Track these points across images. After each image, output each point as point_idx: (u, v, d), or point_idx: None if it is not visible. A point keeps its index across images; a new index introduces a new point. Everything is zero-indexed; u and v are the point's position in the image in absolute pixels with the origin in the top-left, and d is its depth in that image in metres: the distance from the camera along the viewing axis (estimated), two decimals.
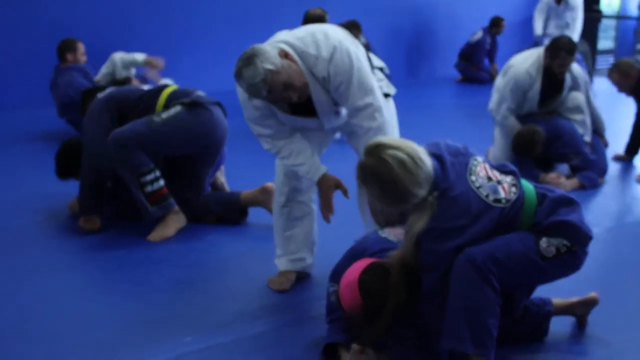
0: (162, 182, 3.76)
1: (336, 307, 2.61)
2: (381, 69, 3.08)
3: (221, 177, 4.38)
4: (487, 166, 2.49)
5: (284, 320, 2.89)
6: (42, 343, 2.72)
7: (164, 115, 3.77)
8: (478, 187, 2.38)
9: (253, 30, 8.24)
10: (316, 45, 2.75)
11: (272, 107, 2.84)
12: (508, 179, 2.48)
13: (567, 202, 2.48)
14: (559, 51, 4.71)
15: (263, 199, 3.93)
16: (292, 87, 2.71)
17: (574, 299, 2.79)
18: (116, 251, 3.62)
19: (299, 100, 2.78)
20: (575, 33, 8.51)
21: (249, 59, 2.66)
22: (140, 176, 3.69)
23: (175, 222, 3.83)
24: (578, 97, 4.92)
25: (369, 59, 3.00)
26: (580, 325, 2.82)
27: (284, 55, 2.71)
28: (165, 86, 4.02)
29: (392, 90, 3.10)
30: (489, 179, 2.43)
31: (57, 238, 3.87)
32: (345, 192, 2.92)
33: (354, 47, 2.84)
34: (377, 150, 2.32)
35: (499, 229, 2.40)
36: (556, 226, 2.42)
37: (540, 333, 2.72)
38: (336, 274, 2.62)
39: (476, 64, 9.48)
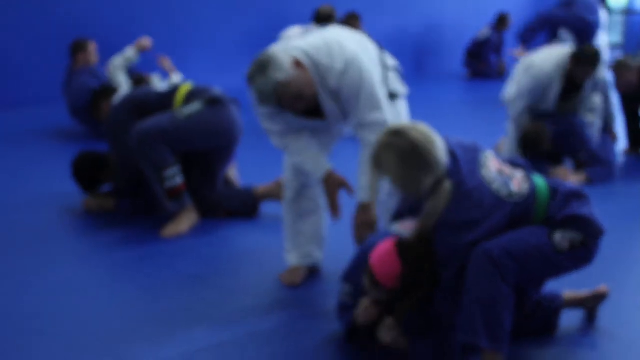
0: (180, 179, 3.79)
1: (349, 305, 2.62)
2: (395, 69, 3.10)
3: (233, 172, 4.41)
4: (498, 161, 2.50)
5: (296, 315, 2.91)
6: (54, 337, 2.75)
7: (186, 110, 3.80)
8: (489, 182, 2.40)
9: (261, 27, 8.25)
10: (330, 55, 2.76)
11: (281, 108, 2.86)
12: (519, 173, 2.50)
13: (578, 196, 2.50)
14: (584, 63, 4.68)
15: (278, 192, 3.95)
16: (301, 98, 2.74)
17: (584, 292, 2.81)
18: (129, 246, 3.64)
19: (308, 109, 2.81)
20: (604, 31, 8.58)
21: (262, 67, 2.67)
22: (161, 170, 3.72)
23: (189, 219, 3.86)
24: (596, 100, 4.90)
25: (383, 60, 3.02)
26: (590, 318, 2.83)
27: (297, 64, 2.72)
28: (181, 84, 4.04)
29: (404, 90, 3.12)
30: (500, 173, 2.45)
31: (69, 234, 3.91)
32: (350, 190, 2.96)
33: (367, 58, 2.84)
34: (389, 131, 2.38)
35: (513, 224, 2.42)
36: (569, 220, 2.43)
37: (551, 327, 2.74)
38: (350, 274, 2.63)
39: (483, 61, 9.48)
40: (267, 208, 4.09)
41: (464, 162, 2.40)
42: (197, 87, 3.98)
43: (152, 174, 3.75)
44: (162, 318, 2.89)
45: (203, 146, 3.88)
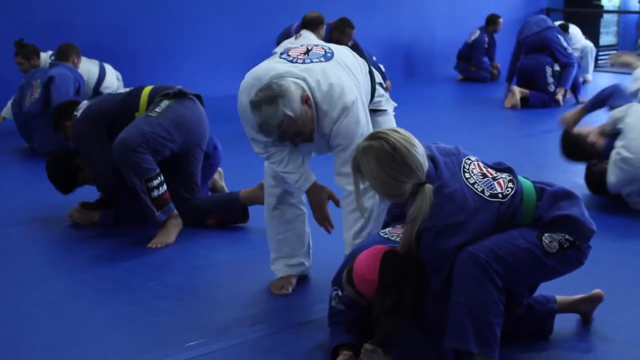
0: (165, 187, 3.73)
1: (339, 311, 2.58)
2: (380, 84, 3.10)
3: (220, 180, 4.36)
4: (482, 164, 2.48)
5: (285, 324, 2.87)
6: (42, 351, 2.70)
7: (157, 109, 3.77)
8: (473, 184, 2.37)
9: (253, 35, 8.23)
10: (330, 101, 2.74)
11: None
12: (504, 175, 2.46)
13: (567, 196, 2.46)
14: None
15: (262, 195, 3.88)
16: (302, 134, 2.74)
17: (578, 296, 2.76)
18: (115, 258, 3.60)
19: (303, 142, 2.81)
20: None
21: (273, 98, 2.63)
22: (148, 181, 3.66)
23: (175, 226, 3.81)
24: None
25: (372, 75, 3.03)
26: (585, 322, 2.79)
27: (305, 100, 2.70)
28: (142, 87, 4.00)
29: (391, 106, 3.13)
30: (484, 175, 2.42)
31: (55, 246, 3.86)
32: (337, 203, 2.94)
33: (363, 106, 2.83)
34: (369, 136, 2.36)
35: (500, 226, 2.38)
36: (558, 221, 2.39)
37: (545, 331, 2.69)
38: (339, 279, 2.58)
39: (474, 64, 9.46)
40: (253, 216, 4.01)
41: (444, 166, 2.37)
42: (158, 86, 3.96)
43: (138, 185, 3.67)
44: (151, 330, 2.84)
45: (181, 142, 3.80)
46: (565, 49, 7.59)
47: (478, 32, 9.42)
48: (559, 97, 7.60)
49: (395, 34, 9.67)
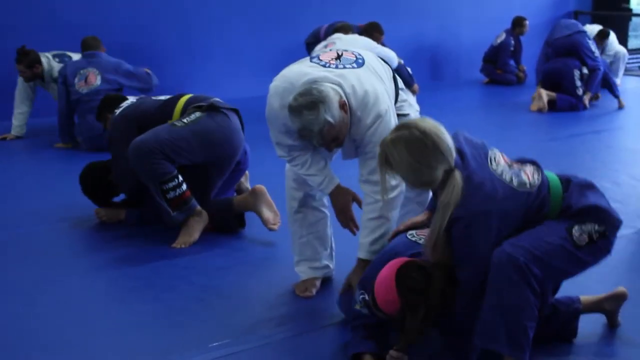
0: (184, 187, 3.73)
1: (362, 315, 2.57)
2: (402, 89, 3.13)
3: (246, 182, 4.37)
4: (507, 157, 2.47)
5: (309, 326, 2.87)
6: (67, 349, 2.74)
7: (185, 119, 3.78)
8: (500, 174, 2.36)
9: (274, 37, 8.25)
10: (364, 108, 2.75)
11: None
12: (529, 167, 2.46)
13: (592, 187, 2.47)
14: None
15: (253, 202, 3.86)
16: (338, 140, 2.75)
17: (602, 294, 2.74)
18: (142, 258, 3.62)
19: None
20: None
21: (314, 104, 2.63)
22: (163, 183, 3.67)
23: (198, 223, 3.80)
24: None
25: (395, 81, 3.04)
26: (611, 324, 2.76)
27: (342, 106, 2.71)
28: (181, 95, 4.02)
29: (414, 110, 3.15)
30: (510, 166, 2.41)
31: (80, 245, 3.91)
32: (360, 204, 2.94)
33: (393, 113, 2.85)
34: (396, 128, 2.37)
35: (529, 216, 2.37)
36: (586, 211, 2.39)
37: (569, 332, 2.67)
38: (366, 281, 2.58)
39: (501, 67, 9.38)
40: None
41: (471, 157, 2.36)
42: (196, 96, 3.96)
43: (153, 188, 3.69)
44: (174, 330, 2.87)
45: (204, 156, 3.79)
46: (593, 52, 7.55)
47: (504, 35, 9.35)
48: (586, 100, 7.54)
49: (421, 36, 9.62)
